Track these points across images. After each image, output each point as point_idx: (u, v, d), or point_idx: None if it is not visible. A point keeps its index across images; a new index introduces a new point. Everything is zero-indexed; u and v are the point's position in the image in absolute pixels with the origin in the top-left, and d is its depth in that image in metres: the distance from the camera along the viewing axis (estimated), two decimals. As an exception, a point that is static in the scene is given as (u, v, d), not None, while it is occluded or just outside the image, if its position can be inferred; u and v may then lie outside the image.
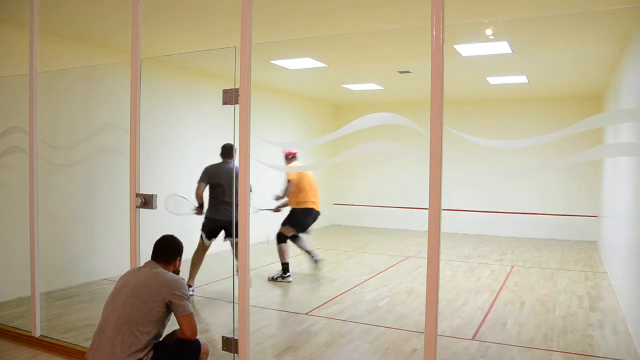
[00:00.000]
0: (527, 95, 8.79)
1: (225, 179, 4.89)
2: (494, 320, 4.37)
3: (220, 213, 4.90)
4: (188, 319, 2.58)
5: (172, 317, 2.64)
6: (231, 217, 4.70)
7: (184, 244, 2.85)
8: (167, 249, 2.75)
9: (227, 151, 5.04)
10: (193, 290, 4.94)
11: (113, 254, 5.20)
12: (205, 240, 5.02)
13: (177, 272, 2.78)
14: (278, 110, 8.93)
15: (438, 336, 2.30)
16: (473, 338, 3.93)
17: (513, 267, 6.64)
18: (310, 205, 5.88)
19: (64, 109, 5.16)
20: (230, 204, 4.76)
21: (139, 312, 2.48)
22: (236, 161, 4.67)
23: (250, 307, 2.88)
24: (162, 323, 2.58)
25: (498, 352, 3.64)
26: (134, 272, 2.70)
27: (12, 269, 4.54)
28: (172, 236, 2.82)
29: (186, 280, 4.98)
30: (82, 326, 3.98)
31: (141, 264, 2.80)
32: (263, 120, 8.04)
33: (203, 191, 4.98)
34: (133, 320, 2.46)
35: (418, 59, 5.89)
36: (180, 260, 2.80)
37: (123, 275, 2.72)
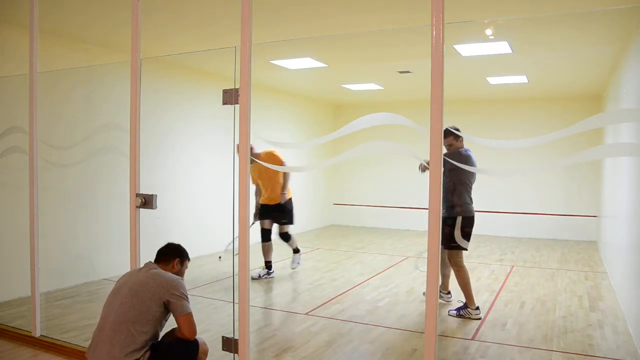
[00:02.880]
0: (527, 95, 8.79)
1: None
2: (494, 320, 4.37)
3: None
4: (187, 319, 2.58)
5: (171, 317, 2.64)
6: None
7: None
8: (167, 251, 2.79)
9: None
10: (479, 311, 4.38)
11: (113, 254, 5.19)
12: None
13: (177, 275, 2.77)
14: (278, 110, 8.93)
15: (438, 336, 2.30)
16: (473, 338, 3.93)
17: (513, 267, 6.64)
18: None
19: (64, 109, 5.15)
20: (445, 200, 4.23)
21: (137, 312, 2.49)
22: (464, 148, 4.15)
23: (250, 307, 2.88)
24: (160, 323, 2.59)
25: (498, 352, 3.64)
26: (134, 272, 2.72)
27: (12, 269, 4.54)
28: (175, 243, 2.87)
29: (468, 303, 4.28)
30: (82, 326, 3.98)
31: (141, 265, 2.80)
32: (263, 120, 8.04)
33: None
34: (131, 320, 2.47)
35: (418, 59, 5.90)
36: (181, 263, 2.81)
37: (123, 276, 2.74)
